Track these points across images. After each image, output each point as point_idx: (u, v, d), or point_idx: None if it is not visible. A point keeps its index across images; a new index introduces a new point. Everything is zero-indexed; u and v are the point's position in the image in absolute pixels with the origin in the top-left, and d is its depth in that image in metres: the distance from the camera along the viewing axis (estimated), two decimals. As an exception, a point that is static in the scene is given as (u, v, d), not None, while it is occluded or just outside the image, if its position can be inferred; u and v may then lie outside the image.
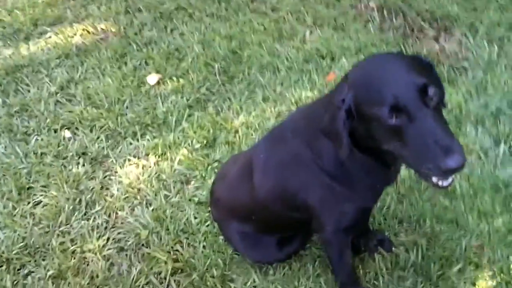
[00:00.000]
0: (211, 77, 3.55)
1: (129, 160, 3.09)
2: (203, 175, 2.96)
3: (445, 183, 1.64)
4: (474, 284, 2.36)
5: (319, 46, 3.63)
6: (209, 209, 2.71)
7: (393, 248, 2.50)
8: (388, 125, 1.58)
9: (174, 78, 3.57)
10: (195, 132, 3.18)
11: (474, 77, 3.21)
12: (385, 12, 3.74)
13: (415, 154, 1.57)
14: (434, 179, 1.63)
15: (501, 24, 3.48)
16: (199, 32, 3.92)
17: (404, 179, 2.74)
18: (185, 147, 3.11)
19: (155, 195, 2.89)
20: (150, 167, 3.04)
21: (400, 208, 2.65)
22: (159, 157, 3.09)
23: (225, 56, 3.67)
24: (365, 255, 2.51)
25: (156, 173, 3.00)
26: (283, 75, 3.46)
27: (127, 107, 3.41)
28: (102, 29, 4.11)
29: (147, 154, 3.12)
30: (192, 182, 2.95)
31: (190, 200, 2.84)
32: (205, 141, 3.12)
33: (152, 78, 3.59)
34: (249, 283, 2.48)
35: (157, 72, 3.64)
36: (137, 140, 3.20)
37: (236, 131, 3.16)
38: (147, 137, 3.20)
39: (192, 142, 3.13)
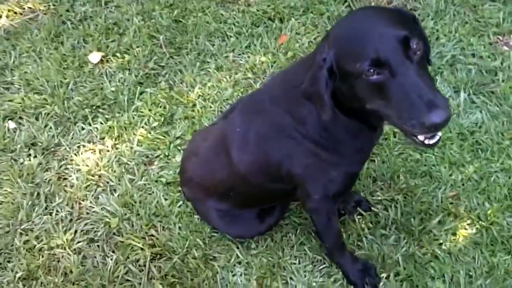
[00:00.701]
0: (157, 50, 3.37)
1: (83, 146, 2.92)
2: (166, 153, 2.84)
3: (432, 141, 1.61)
4: (455, 234, 2.40)
5: (266, 8, 3.50)
6: (179, 189, 2.61)
7: (371, 208, 2.50)
8: (370, 82, 1.53)
9: (118, 55, 3.37)
10: (150, 110, 3.03)
11: (425, 27, 3.21)
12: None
13: (399, 111, 1.52)
14: (421, 137, 1.60)
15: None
16: (136, 2, 3.71)
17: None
18: (142, 127, 2.97)
19: (119, 180, 2.76)
20: (108, 151, 2.89)
21: (373, 167, 2.64)
22: (116, 139, 2.94)
23: (168, 26, 3.49)
24: (345, 218, 2.51)
25: (115, 157, 2.86)
26: (234, 41, 3.34)
27: (72, 90, 3.20)
28: (29, 8, 3.80)
29: (103, 138, 2.96)
30: (156, 163, 2.83)
31: (157, 181, 2.74)
32: (162, 119, 2.98)
33: (94, 57, 3.37)
34: (232, 259, 2.44)
35: (99, 50, 3.42)
36: (89, 124, 3.02)
37: (194, 105, 3.03)
38: (100, 120, 3.03)
39: (148, 120, 2.99)
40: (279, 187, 2.09)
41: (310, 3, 3.49)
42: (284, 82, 1.96)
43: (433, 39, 3.17)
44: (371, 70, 1.51)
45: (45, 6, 3.79)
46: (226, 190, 2.25)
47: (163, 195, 2.65)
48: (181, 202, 2.61)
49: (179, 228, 2.53)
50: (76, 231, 2.58)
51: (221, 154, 2.14)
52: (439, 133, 1.61)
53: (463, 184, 2.55)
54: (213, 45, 3.36)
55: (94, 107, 3.09)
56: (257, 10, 3.51)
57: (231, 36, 3.40)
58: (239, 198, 2.27)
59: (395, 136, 2.73)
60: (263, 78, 3.11)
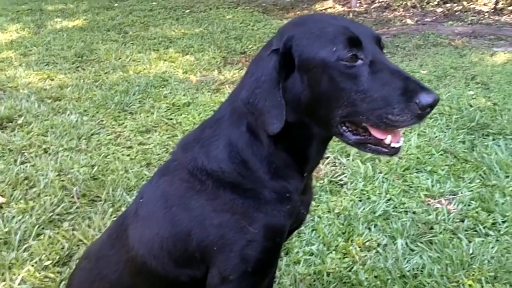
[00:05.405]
0: (67, 199, 3.04)
1: None
2: (55, 292, 2.33)
3: (398, 144, 1.40)
4: None
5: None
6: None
7: None
8: (347, 71, 1.34)
9: (22, 201, 3.01)
10: (45, 250, 2.58)
11: (355, 188, 3.07)
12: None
13: (377, 102, 1.33)
14: (387, 140, 1.38)
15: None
16: (54, 161, 3.47)
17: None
18: (32, 265, 2.48)
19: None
20: (-21, 291, 2.35)
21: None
22: (-6, 279, 2.42)
23: (85, 181, 3.22)
24: None
25: (-13, 296, 2.31)
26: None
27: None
28: None
29: (-24, 279, 2.44)
30: (39, 304, 2.29)
31: (34, 320, 2.17)
32: (57, 257, 2.53)
33: (-6, 201, 3.00)
34: None
35: (1, 196, 3.07)
36: (-37, 264, 2.52)
37: (98, 246, 2.61)
38: (-21, 260, 2.54)
39: (40, 259, 2.52)
40: (187, 276, 1.62)
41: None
42: (195, 131, 1.68)
43: (364, 199, 2.99)
44: (349, 55, 1.34)
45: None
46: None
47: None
48: None
49: None
50: None
51: (116, 242, 1.72)
52: (402, 138, 1.41)
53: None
54: (132, 197, 3.07)
55: (-26, 247, 2.62)
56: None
57: (151, 190, 3.13)
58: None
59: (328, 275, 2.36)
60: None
